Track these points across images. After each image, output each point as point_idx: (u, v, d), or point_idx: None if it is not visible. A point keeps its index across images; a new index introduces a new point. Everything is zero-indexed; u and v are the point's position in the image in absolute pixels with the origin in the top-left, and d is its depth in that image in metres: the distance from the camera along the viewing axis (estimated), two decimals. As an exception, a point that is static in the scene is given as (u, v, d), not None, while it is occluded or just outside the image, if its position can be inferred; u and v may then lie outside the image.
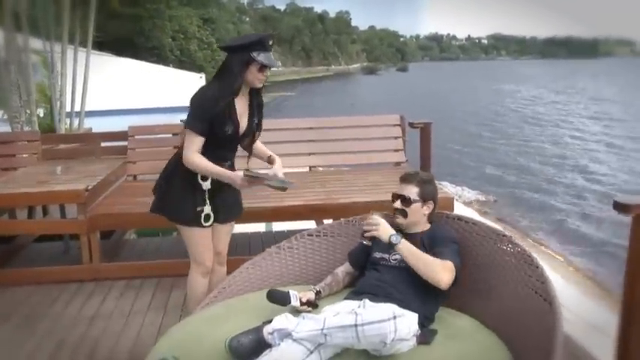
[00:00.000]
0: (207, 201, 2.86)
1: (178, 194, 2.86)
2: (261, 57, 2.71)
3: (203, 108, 2.72)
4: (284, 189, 2.80)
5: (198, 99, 2.75)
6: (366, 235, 2.47)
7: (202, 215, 2.86)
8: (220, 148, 2.87)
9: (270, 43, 2.76)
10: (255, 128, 2.96)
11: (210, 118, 2.72)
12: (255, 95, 2.91)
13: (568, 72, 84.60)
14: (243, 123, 2.88)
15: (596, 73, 76.02)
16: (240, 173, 2.75)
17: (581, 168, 17.06)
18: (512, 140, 22.99)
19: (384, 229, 2.41)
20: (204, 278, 3.01)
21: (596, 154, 19.26)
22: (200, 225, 2.89)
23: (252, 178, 2.72)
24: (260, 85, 2.84)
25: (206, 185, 2.84)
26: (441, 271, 2.32)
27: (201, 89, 2.80)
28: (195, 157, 2.74)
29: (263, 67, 2.75)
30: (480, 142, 22.62)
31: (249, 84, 2.80)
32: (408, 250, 2.36)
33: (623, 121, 27.37)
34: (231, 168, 2.97)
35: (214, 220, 2.93)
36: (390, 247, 2.39)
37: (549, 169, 16.91)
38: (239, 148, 3.03)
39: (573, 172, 16.59)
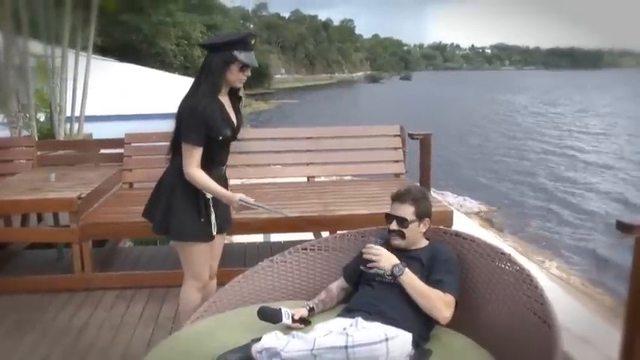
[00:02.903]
0: (212, 209, 2.80)
1: (182, 209, 2.77)
2: (242, 56, 2.66)
3: (195, 117, 2.65)
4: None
5: (187, 110, 2.68)
6: (368, 265, 2.42)
7: (210, 227, 2.81)
8: (219, 152, 2.83)
9: (253, 42, 2.72)
10: (240, 126, 2.90)
11: (205, 126, 2.66)
12: (235, 95, 2.85)
13: (569, 83, 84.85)
14: (234, 123, 2.84)
15: (597, 85, 76.27)
16: (237, 197, 2.71)
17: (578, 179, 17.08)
18: (513, 151, 22.96)
19: (386, 260, 2.37)
20: (200, 293, 2.94)
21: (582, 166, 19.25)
22: (207, 237, 2.83)
23: (254, 204, 2.74)
24: (240, 85, 2.79)
25: (209, 194, 2.78)
26: (442, 309, 2.28)
27: (188, 98, 2.71)
28: (197, 172, 2.69)
29: (244, 67, 2.70)
30: (480, 152, 22.58)
31: (230, 84, 2.75)
32: (410, 283, 2.32)
33: (611, 135, 27.38)
34: (225, 173, 2.95)
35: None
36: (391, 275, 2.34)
37: (552, 181, 16.88)
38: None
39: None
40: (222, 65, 2.66)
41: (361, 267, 2.51)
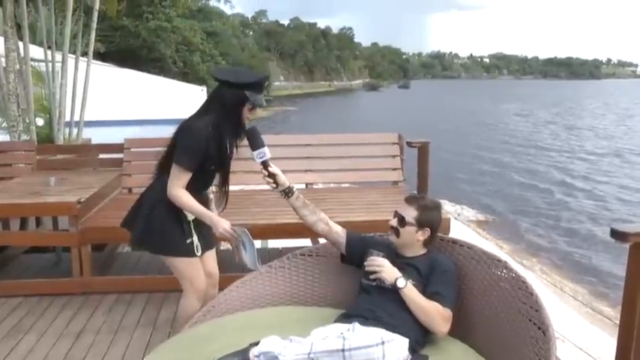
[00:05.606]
0: (193, 231, 2.83)
1: (164, 225, 2.79)
2: (254, 98, 2.70)
3: (198, 147, 2.67)
4: (245, 265, 2.73)
5: (192, 137, 2.67)
6: (371, 277, 2.45)
7: (193, 247, 2.83)
8: (209, 178, 2.89)
9: (266, 84, 2.77)
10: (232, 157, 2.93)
11: (203, 155, 2.69)
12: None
13: (566, 93, 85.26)
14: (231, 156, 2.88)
15: (594, 95, 76.67)
16: (228, 223, 2.71)
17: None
18: (511, 161, 22.97)
19: (389, 272, 2.40)
20: (200, 302, 2.95)
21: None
22: (191, 254, 2.84)
23: (238, 235, 2.67)
24: (245, 123, 2.80)
25: (190, 216, 2.80)
26: (440, 323, 2.32)
27: (192, 122, 2.71)
28: (181, 193, 2.70)
29: (253, 107, 2.74)
30: (477, 161, 22.55)
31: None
32: (411, 296, 2.34)
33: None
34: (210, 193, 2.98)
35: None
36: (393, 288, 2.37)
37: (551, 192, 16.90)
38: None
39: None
40: (237, 104, 2.69)
41: (363, 280, 2.53)
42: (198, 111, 2.77)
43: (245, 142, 2.73)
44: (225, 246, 5.07)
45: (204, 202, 2.89)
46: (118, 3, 9.52)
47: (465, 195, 15.28)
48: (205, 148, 2.67)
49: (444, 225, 3.99)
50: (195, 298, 2.92)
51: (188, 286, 2.91)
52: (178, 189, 2.69)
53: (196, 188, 2.78)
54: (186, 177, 2.70)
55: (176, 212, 2.76)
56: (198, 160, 2.69)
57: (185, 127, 2.71)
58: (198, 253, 2.86)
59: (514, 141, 28.87)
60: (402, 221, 2.54)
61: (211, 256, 3.06)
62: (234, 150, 2.87)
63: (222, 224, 2.70)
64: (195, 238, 2.83)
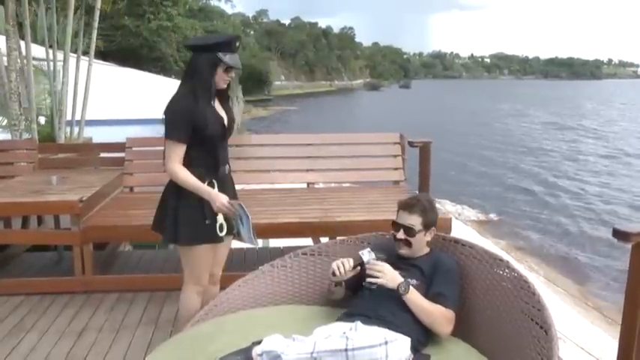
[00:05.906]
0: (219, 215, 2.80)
1: (188, 215, 2.77)
2: (227, 58, 2.71)
3: (181, 115, 2.68)
4: (242, 240, 2.75)
5: (173, 108, 2.70)
6: (371, 280, 2.39)
7: (217, 226, 2.80)
8: (215, 149, 2.83)
9: (237, 44, 2.77)
10: (232, 123, 2.92)
11: (192, 123, 2.68)
12: (222, 94, 2.88)
13: (567, 93, 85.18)
14: (225, 118, 2.87)
15: (594, 95, 76.58)
16: (225, 197, 2.72)
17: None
18: (511, 161, 22.96)
19: (391, 277, 2.37)
20: (200, 297, 2.95)
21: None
22: (213, 239, 2.82)
23: (235, 209, 2.67)
24: (224, 86, 2.82)
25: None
26: (444, 324, 2.32)
27: (174, 98, 2.73)
28: (178, 168, 2.71)
29: (229, 69, 2.75)
30: (478, 162, 22.55)
31: (215, 85, 2.78)
32: (414, 300, 2.33)
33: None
34: (229, 173, 2.96)
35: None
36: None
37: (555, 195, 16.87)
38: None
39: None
40: (210, 67, 2.70)
41: (364, 283, 2.50)
42: (178, 87, 2.78)
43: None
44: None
45: (229, 180, 2.93)
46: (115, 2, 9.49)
47: (465, 195, 15.31)
48: (189, 115, 2.67)
49: (445, 224, 4.03)
50: (195, 292, 2.92)
51: (191, 277, 2.90)
52: (174, 164, 2.70)
53: (211, 165, 2.80)
54: (180, 150, 2.70)
55: (197, 196, 2.73)
56: (185, 130, 2.68)
57: (167, 107, 2.72)
58: (222, 234, 2.83)
59: (514, 141, 28.93)
60: (410, 231, 2.52)
61: (225, 249, 3.06)
62: (231, 114, 2.88)
63: (219, 199, 2.69)
64: (220, 216, 2.79)
